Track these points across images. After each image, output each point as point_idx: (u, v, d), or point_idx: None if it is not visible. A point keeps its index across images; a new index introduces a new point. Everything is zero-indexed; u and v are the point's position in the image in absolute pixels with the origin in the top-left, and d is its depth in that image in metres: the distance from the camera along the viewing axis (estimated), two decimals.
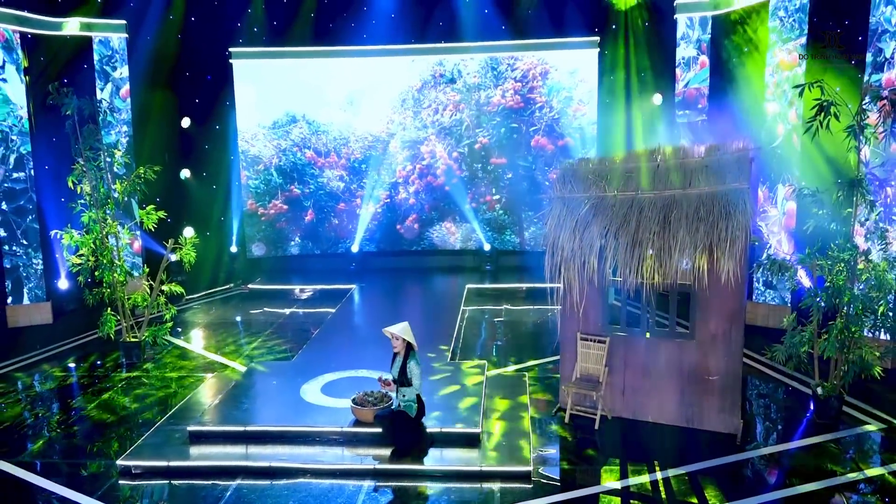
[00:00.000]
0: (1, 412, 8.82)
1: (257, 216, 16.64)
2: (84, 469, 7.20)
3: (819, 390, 7.86)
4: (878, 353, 7.58)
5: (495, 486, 6.70)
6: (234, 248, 16.57)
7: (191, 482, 6.85)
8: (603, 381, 7.98)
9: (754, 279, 10.88)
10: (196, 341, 11.78)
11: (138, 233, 13.37)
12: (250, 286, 15.52)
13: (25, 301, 12.52)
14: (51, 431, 8.25)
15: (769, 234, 10.68)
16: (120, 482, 6.89)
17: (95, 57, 13.70)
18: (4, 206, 12.19)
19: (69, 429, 8.31)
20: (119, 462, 7.12)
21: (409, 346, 7.37)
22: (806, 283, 8.72)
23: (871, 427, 7.79)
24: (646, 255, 7.27)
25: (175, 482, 6.88)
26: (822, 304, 7.55)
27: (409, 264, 16.75)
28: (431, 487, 6.70)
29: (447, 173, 16.56)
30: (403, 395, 7.35)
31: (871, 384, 8.27)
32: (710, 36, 12.43)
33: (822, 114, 7.09)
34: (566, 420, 8.04)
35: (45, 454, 7.61)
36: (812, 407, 8.15)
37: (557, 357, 8.75)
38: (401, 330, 7.37)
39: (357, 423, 7.60)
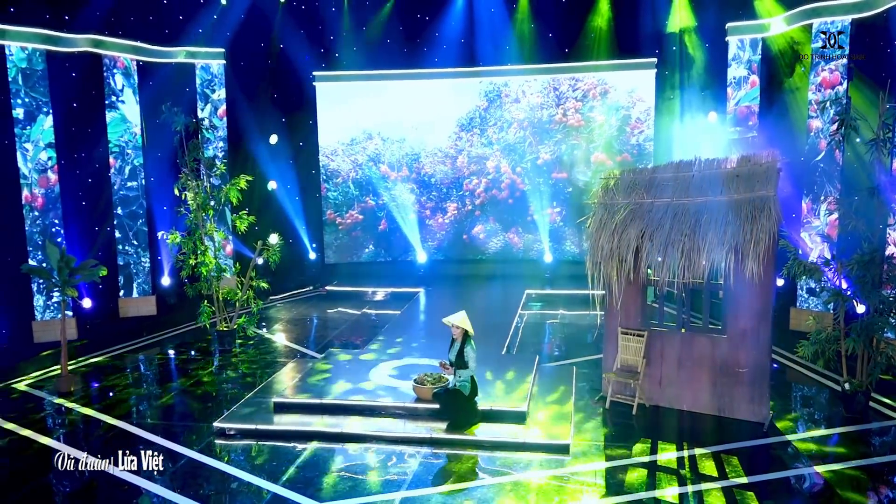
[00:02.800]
0: (118, 385, 10.34)
1: (335, 225, 18.03)
2: (187, 429, 8.51)
3: (846, 386, 8.40)
4: None
5: (537, 456, 7.58)
6: (313, 257, 18.00)
7: (274, 443, 8.03)
8: (641, 372, 8.75)
9: (797, 286, 11.39)
10: (279, 333, 13.14)
11: (230, 237, 14.95)
12: (327, 288, 16.88)
13: (134, 294, 14.24)
14: (159, 399, 9.68)
15: (812, 243, 11.18)
16: (216, 441, 8.15)
17: (198, 81, 15.45)
18: (120, 211, 13.96)
19: (173, 398, 9.72)
20: (216, 424, 8.39)
21: (465, 333, 8.37)
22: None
23: None
24: (678, 254, 8.06)
25: (261, 442, 8.08)
26: (847, 302, 8.12)
27: (474, 271, 17.73)
28: (480, 455, 7.64)
29: (511, 187, 17.55)
30: (459, 376, 8.32)
31: None
32: (760, 57, 13.04)
33: (843, 127, 7.74)
34: (607, 406, 8.83)
35: (155, 417, 9.00)
36: (840, 401, 8.67)
37: (602, 356, 9.54)
38: (458, 318, 8.38)
39: (417, 399, 8.64)
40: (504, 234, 17.78)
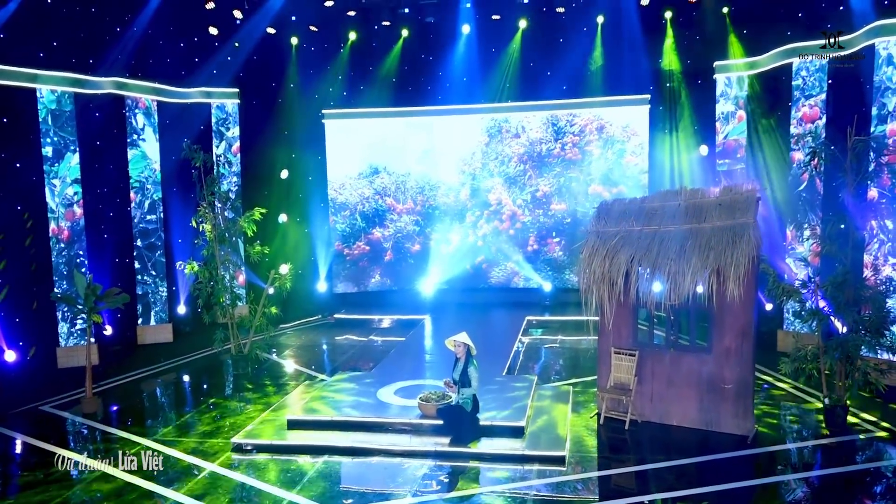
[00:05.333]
0: (139, 406, 10.92)
1: (343, 256, 18.69)
2: (207, 445, 9.05)
3: (826, 401, 8.93)
4: (880, 370, 8.62)
5: (534, 467, 8.11)
6: (322, 286, 18.60)
7: (288, 457, 8.58)
8: (633, 389, 9.29)
9: (784, 310, 11.96)
10: (290, 358, 13.69)
11: (242, 267, 15.62)
12: (336, 316, 17.47)
13: (152, 322, 14.86)
14: (178, 419, 10.23)
15: (796, 268, 11.77)
16: (234, 455, 8.69)
17: (213, 119, 16.27)
18: (139, 243, 14.66)
19: (192, 418, 10.27)
20: (233, 440, 8.95)
21: (468, 352, 8.95)
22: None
23: (874, 434, 8.77)
24: (664, 277, 8.67)
25: (276, 456, 8.62)
26: (824, 321, 8.69)
27: (476, 300, 18.27)
28: (481, 467, 8.18)
29: (512, 218, 18.23)
30: (462, 394, 8.88)
31: (877, 397, 9.25)
32: (746, 93, 13.80)
33: (815, 158, 8.40)
34: (601, 422, 9.36)
35: (176, 434, 9.55)
36: (821, 416, 9.18)
37: (597, 377, 10.10)
38: (460, 336, 8.98)
39: (422, 416, 9.18)
40: (505, 263, 18.39)
